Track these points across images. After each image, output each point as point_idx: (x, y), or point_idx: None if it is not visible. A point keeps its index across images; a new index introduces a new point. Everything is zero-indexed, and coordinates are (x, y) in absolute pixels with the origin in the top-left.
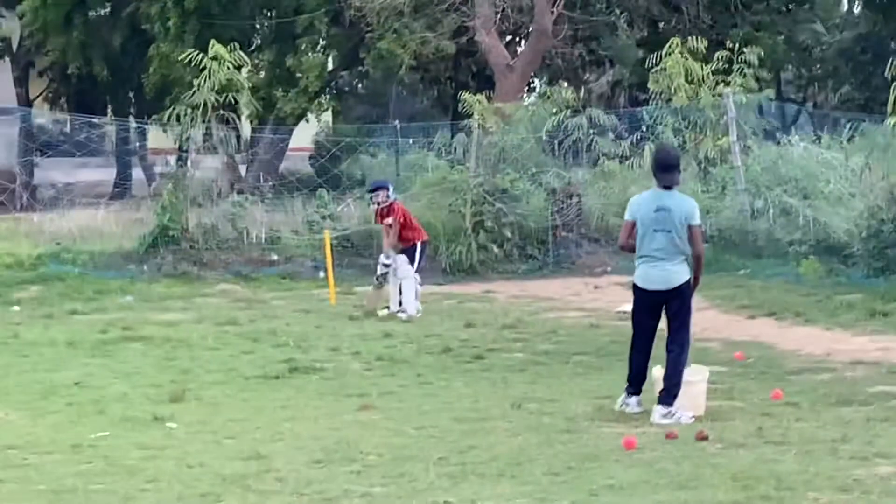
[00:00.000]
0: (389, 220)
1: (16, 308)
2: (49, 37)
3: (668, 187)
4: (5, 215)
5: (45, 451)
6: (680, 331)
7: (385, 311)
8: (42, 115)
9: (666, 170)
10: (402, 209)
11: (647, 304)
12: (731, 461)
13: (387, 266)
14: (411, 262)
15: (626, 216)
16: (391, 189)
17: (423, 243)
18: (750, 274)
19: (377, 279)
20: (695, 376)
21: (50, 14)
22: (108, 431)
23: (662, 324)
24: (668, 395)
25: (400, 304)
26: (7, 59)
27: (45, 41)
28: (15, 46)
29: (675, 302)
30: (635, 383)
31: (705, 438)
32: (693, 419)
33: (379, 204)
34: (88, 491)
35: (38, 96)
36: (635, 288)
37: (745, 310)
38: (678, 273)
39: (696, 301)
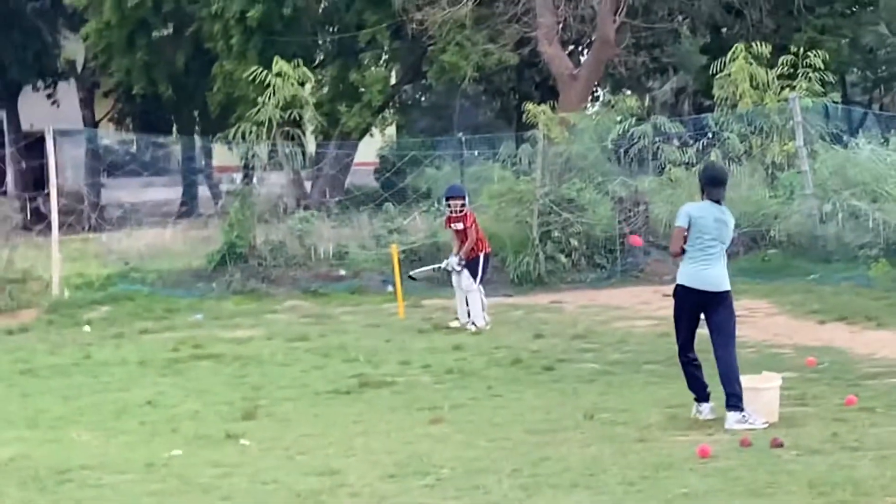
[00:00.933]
0: (459, 226)
1: (87, 328)
2: (113, 58)
3: (717, 202)
4: (74, 236)
5: (118, 471)
6: (726, 335)
7: (456, 324)
8: (108, 136)
9: (718, 185)
10: (474, 218)
11: (692, 305)
12: (807, 468)
13: (456, 270)
14: (474, 274)
15: (680, 223)
16: (467, 199)
17: (486, 255)
18: (820, 279)
19: (437, 269)
20: (767, 383)
21: (114, 35)
22: (181, 450)
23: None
24: (735, 399)
25: (468, 315)
26: (72, 80)
27: (109, 62)
28: (80, 68)
29: (721, 307)
30: (697, 390)
31: (780, 445)
32: (767, 426)
33: (453, 211)
34: None
35: (103, 117)
36: (682, 289)
37: (816, 315)
38: (725, 279)
39: (766, 307)
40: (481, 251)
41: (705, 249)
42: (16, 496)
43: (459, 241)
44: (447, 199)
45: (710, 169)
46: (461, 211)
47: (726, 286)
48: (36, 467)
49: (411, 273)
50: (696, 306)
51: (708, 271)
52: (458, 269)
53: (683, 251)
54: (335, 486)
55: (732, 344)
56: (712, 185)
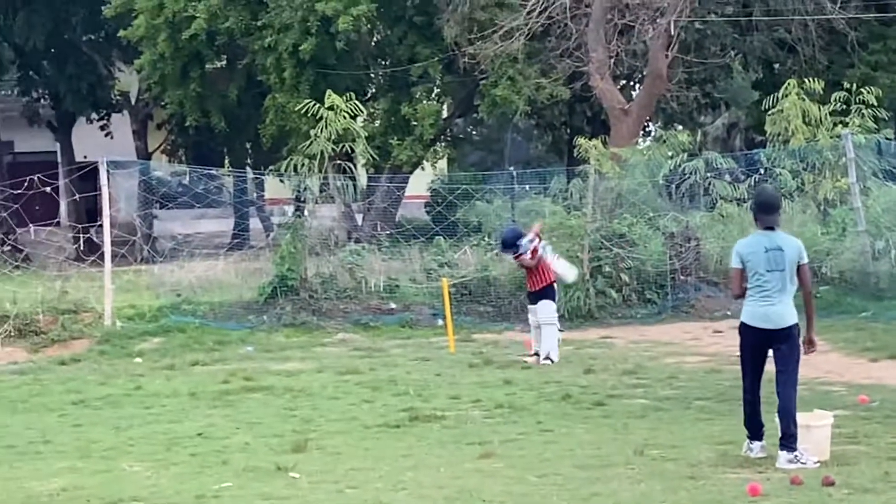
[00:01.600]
0: (530, 262)
1: (138, 360)
2: (167, 90)
3: (770, 228)
4: (126, 267)
5: (169, 503)
6: (789, 373)
7: (533, 359)
8: (161, 168)
9: (770, 211)
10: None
11: (756, 343)
12: None
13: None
14: (552, 298)
15: (734, 264)
16: (522, 240)
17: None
18: (872, 316)
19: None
20: (819, 421)
21: (167, 67)
22: (232, 482)
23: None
24: (789, 439)
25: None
26: (126, 112)
27: (162, 94)
28: (134, 100)
29: (785, 343)
30: (752, 429)
31: (832, 484)
32: (818, 464)
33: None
34: None
35: (156, 149)
36: (744, 328)
37: (868, 352)
38: (789, 314)
39: (818, 344)
40: (553, 280)
41: (763, 285)
42: None
43: (532, 278)
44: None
45: (761, 194)
46: (519, 255)
47: (789, 321)
48: (87, 498)
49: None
50: (759, 344)
51: (768, 308)
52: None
53: (745, 290)
54: None
55: (794, 380)
56: (763, 211)
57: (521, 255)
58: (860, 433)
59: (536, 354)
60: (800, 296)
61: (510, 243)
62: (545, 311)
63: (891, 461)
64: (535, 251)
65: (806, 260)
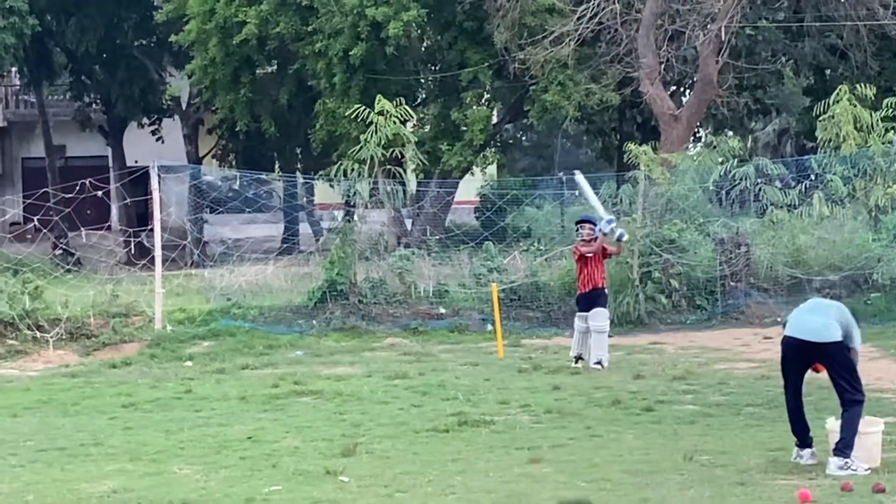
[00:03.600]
0: (591, 250)
1: (188, 363)
2: (217, 95)
3: None
4: (177, 271)
5: None
6: (846, 387)
7: (581, 364)
8: (211, 172)
9: None
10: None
11: (793, 354)
12: None
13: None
14: (604, 305)
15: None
16: (598, 226)
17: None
18: None
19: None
20: (870, 428)
21: (218, 73)
22: (281, 486)
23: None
24: (844, 446)
25: (587, 352)
26: (177, 117)
27: (213, 99)
28: (184, 105)
29: (829, 359)
30: (799, 435)
31: (882, 491)
32: (869, 471)
33: (584, 235)
34: None
35: (207, 153)
36: (784, 338)
37: None
38: (828, 328)
39: (869, 351)
40: (604, 285)
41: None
42: None
43: (586, 274)
44: (578, 222)
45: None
46: (592, 235)
47: (831, 337)
48: (137, 500)
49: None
50: (799, 354)
51: (807, 318)
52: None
53: None
54: None
55: (857, 388)
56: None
57: (595, 237)
58: None
59: (580, 358)
60: None
61: (593, 219)
62: (599, 318)
63: None
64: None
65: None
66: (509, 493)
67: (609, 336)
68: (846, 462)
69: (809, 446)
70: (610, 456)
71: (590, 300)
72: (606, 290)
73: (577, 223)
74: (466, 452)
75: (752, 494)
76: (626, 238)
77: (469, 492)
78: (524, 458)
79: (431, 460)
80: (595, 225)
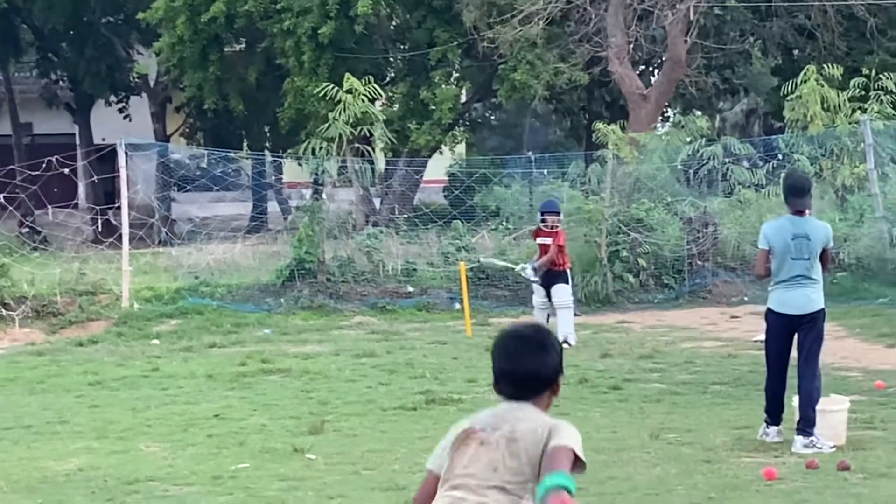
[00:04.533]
0: (547, 241)
1: (155, 341)
2: (185, 73)
3: (800, 212)
4: (144, 250)
5: (185, 483)
6: (812, 359)
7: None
8: (179, 150)
9: (799, 194)
10: (563, 237)
11: (782, 330)
12: (874, 491)
13: (531, 280)
14: (566, 282)
15: (761, 244)
16: (561, 216)
17: (570, 270)
18: (889, 302)
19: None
20: (835, 406)
21: (186, 50)
22: (248, 463)
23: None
24: (806, 424)
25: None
26: (144, 95)
27: (181, 77)
28: (152, 83)
29: (811, 329)
30: (773, 414)
31: (847, 468)
32: (834, 449)
33: (548, 226)
34: None
35: (175, 132)
36: (770, 313)
37: (885, 338)
38: (815, 300)
39: (835, 330)
40: (565, 266)
41: (789, 271)
42: None
43: (541, 254)
44: (543, 213)
45: (790, 177)
46: (553, 228)
47: (815, 307)
48: (104, 478)
49: (481, 258)
50: (788, 329)
51: (793, 294)
52: (534, 279)
53: (769, 271)
54: (401, 501)
55: (815, 367)
56: (794, 194)
57: (556, 229)
58: (876, 418)
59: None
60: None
61: (556, 206)
62: (560, 294)
63: None
64: (560, 237)
65: (831, 245)
66: None
67: (576, 315)
68: (811, 440)
69: (779, 424)
70: None
71: (550, 278)
72: (567, 270)
73: (542, 212)
74: (434, 430)
75: (717, 472)
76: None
77: None
78: None
79: (399, 438)
80: (559, 216)
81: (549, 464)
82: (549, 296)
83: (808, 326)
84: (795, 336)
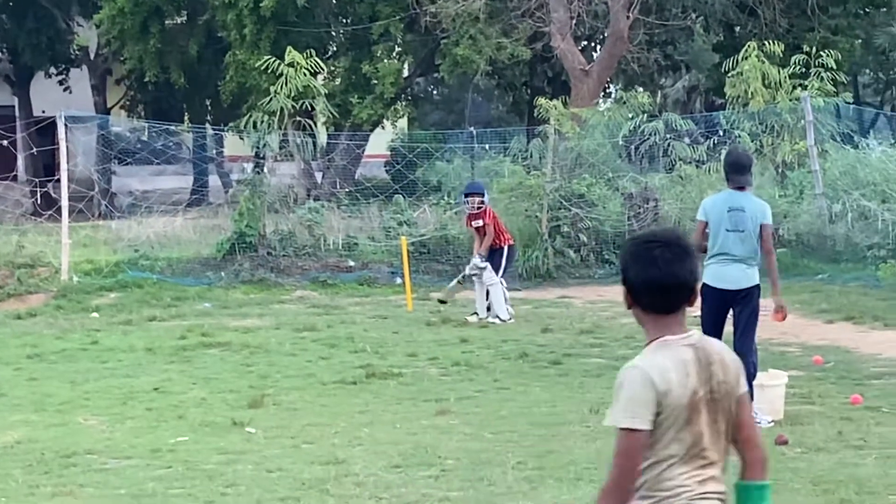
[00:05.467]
0: (479, 223)
1: (95, 314)
2: (126, 45)
3: (741, 188)
4: (84, 223)
5: (124, 456)
6: (748, 334)
7: (473, 318)
8: (119, 123)
9: (739, 171)
10: (493, 213)
11: (717, 304)
12: (811, 465)
13: (480, 269)
14: (496, 267)
15: (698, 216)
16: (486, 195)
17: (509, 247)
18: (828, 278)
19: (462, 278)
20: (773, 380)
21: (127, 22)
22: (188, 436)
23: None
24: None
25: (488, 309)
26: (85, 67)
27: (122, 49)
28: (93, 55)
29: (746, 304)
30: None
31: (785, 443)
32: (772, 423)
33: (472, 208)
34: (168, 495)
35: (115, 104)
36: (705, 287)
37: (824, 314)
38: (750, 275)
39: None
40: (505, 243)
41: (724, 245)
42: (21, 479)
43: (479, 238)
44: (466, 195)
45: (731, 154)
46: (479, 208)
47: (750, 282)
48: (42, 451)
49: (440, 297)
50: (722, 303)
51: (728, 269)
52: (483, 266)
53: (705, 246)
54: (340, 475)
55: (751, 341)
56: (734, 171)
57: (482, 208)
58: (814, 393)
59: (475, 314)
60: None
61: (478, 188)
62: (489, 273)
63: (844, 421)
64: (488, 215)
65: (769, 221)
66: (416, 445)
67: (516, 289)
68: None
69: None
70: (517, 408)
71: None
72: (505, 247)
73: (465, 195)
74: (374, 404)
75: None
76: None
77: (376, 443)
78: (432, 410)
79: (339, 412)
80: (482, 196)
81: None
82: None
83: (744, 302)
84: (730, 311)
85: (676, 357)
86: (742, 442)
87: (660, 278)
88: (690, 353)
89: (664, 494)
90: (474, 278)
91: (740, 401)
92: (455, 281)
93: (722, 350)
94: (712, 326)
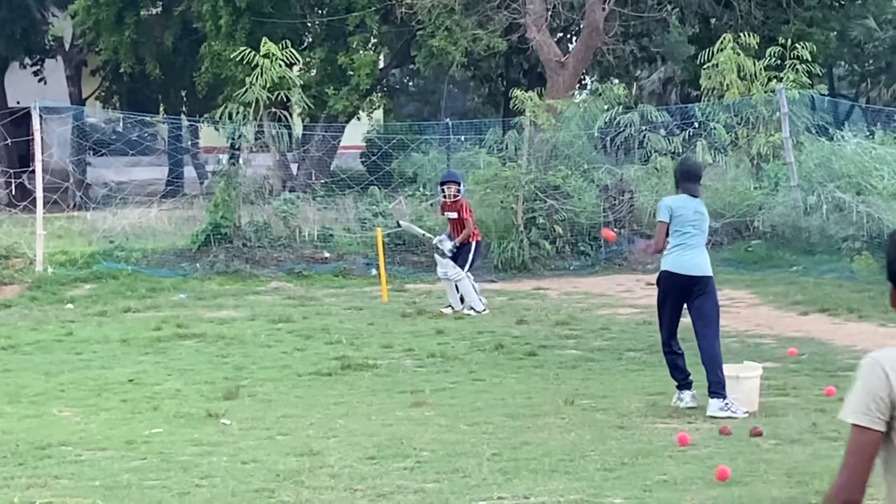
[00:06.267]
0: (454, 215)
1: (69, 306)
2: (101, 35)
3: (695, 196)
4: (59, 214)
5: (98, 448)
6: (711, 323)
7: (448, 311)
8: (94, 114)
9: (695, 180)
10: (469, 206)
11: (676, 291)
12: (786, 457)
13: (445, 251)
14: (462, 262)
15: (662, 216)
16: (462, 185)
17: (477, 243)
18: (803, 270)
19: (427, 237)
20: (748, 372)
21: (102, 13)
22: (162, 428)
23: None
24: (718, 386)
25: (462, 301)
26: (60, 57)
27: (97, 40)
28: (68, 45)
29: (704, 293)
30: (679, 378)
31: (759, 434)
32: (747, 415)
33: (447, 197)
34: (142, 487)
35: (90, 95)
36: (664, 276)
37: (798, 306)
38: (708, 264)
39: (749, 298)
40: (473, 239)
41: (687, 238)
42: None
43: (454, 228)
44: (442, 184)
45: (685, 164)
46: (455, 198)
47: (709, 272)
48: (16, 442)
49: (401, 221)
50: (680, 292)
51: (690, 257)
52: (449, 253)
53: (665, 246)
54: (315, 466)
55: (715, 331)
56: (688, 180)
57: (458, 199)
58: (789, 385)
59: (449, 307)
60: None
61: (454, 177)
62: (449, 269)
63: (818, 413)
64: (465, 208)
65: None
66: (391, 436)
67: (492, 281)
68: (726, 403)
69: (690, 388)
70: (492, 400)
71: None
72: (476, 243)
73: (440, 184)
74: (349, 396)
75: (631, 438)
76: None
77: (351, 435)
78: (407, 401)
79: (314, 403)
80: (458, 185)
81: None
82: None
83: (702, 291)
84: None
85: None
86: None
87: None
88: None
89: None
90: (437, 256)
91: None
92: (421, 232)
93: None
94: (670, 317)
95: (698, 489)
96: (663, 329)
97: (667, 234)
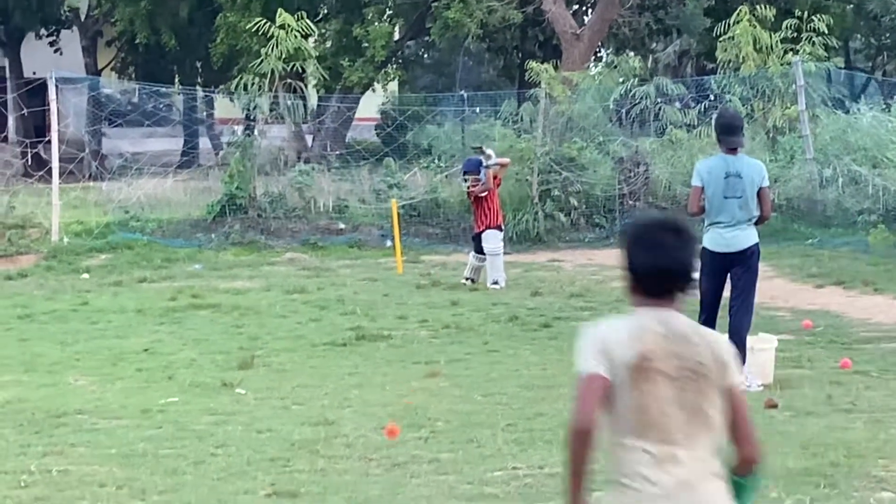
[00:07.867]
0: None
1: (85, 276)
2: (117, 6)
3: (733, 150)
4: (74, 184)
5: (114, 416)
6: (745, 295)
7: (496, 286)
8: (110, 85)
9: (731, 132)
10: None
11: (716, 268)
12: (801, 429)
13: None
14: (497, 232)
15: (694, 182)
16: (482, 171)
17: (497, 227)
18: (818, 243)
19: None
20: (763, 344)
21: None
22: (178, 397)
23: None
24: (740, 361)
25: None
26: (75, 28)
27: (113, 11)
28: (83, 16)
29: (743, 265)
30: None
31: (774, 406)
32: (761, 387)
33: (471, 185)
34: (158, 455)
35: (106, 66)
36: (704, 252)
37: (814, 279)
38: (748, 236)
39: (764, 270)
40: (498, 223)
41: (723, 211)
42: (12, 438)
43: (478, 209)
44: (464, 172)
45: (722, 116)
46: (473, 187)
47: (748, 243)
48: (32, 410)
49: (485, 148)
50: (719, 269)
51: (726, 234)
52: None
53: (703, 209)
54: (330, 436)
55: (750, 304)
56: (726, 132)
57: (478, 182)
58: (804, 357)
59: (472, 280)
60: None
61: (475, 167)
62: (491, 241)
63: (833, 385)
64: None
65: (767, 184)
66: (405, 407)
67: (506, 253)
68: (742, 376)
69: None
70: (506, 371)
71: (479, 236)
72: (496, 228)
73: (463, 175)
74: (364, 366)
75: None
76: (492, 161)
77: (366, 405)
78: (421, 372)
79: (328, 374)
80: (479, 174)
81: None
82: (481, 250)
83: (745, 263)
84: (729, 275)
85: (636, 322)
86: (735, 440)
87: (666, 265)
88: (654, 323)
89: (619, 469)
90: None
91: (729, 394)
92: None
93: (703, 334)
94: (712, 293)
95: None
96: (703, 302)
97: (702, 199)
